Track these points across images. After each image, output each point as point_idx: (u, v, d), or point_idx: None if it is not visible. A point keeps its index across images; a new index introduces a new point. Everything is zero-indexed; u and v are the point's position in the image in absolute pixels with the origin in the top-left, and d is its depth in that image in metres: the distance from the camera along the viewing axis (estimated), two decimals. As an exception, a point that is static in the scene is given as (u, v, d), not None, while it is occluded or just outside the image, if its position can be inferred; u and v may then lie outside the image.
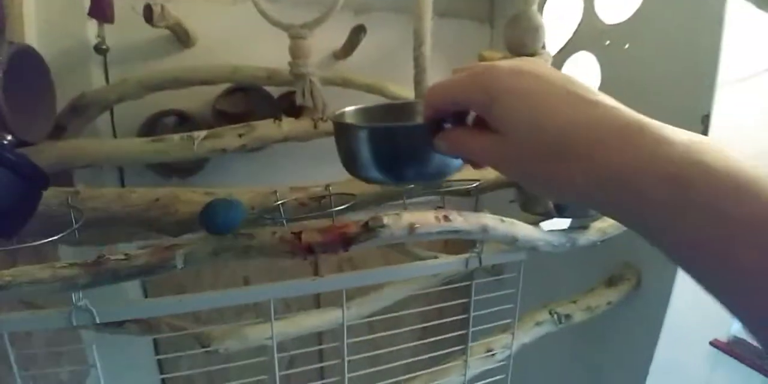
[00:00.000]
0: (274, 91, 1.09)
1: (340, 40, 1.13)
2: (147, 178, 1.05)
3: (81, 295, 0.51)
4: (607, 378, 1.04)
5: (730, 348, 1.36)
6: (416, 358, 0.75)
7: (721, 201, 0.18)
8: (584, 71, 1.06)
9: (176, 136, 0.76)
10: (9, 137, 0.41)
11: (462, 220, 0.55)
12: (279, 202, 0.66)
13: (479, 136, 0.27)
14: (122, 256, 0.48)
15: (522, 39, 0.57)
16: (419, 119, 0.34)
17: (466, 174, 0.78)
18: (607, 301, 0.90)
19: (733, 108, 0.91)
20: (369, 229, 0.48)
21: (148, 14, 0.90)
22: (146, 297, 1.15)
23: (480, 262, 0.66)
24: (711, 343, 1.39)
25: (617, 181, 0.21)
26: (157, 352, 1.06)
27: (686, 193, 0.19)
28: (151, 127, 1.00)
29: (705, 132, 0.83)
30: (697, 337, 1.39)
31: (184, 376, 1.17)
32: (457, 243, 0.78)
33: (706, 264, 0.20)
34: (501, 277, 0.72)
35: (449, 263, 0.65)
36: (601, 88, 1.03)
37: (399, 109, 0.44)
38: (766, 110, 1.39)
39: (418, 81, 0.72)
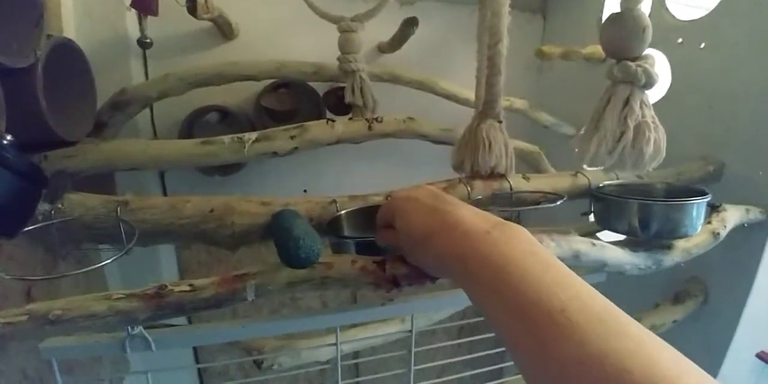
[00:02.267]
0: (319, 87, 1.01)
1: (384, 32, 1.05)
2: (188, 176, 1.00)
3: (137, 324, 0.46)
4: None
5: (780, 360, 1.28)
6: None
7: (477, 270, 0.29)
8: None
9: (226, 138, 0.69)
10: (9, 137, 0.38)
11: (554, 246, 0.48)
12: (341, 213, 0.60)
13: (393, 233, 0.40)
14: (187, 287, 0.42)
15: (625, 42, 0.48)
16: None
17: (536, 184, 0.70)
18: (672, 320, 0.83)
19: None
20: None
21: (192, 6, 0.83)
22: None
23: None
24: (757, 355, 1.31)
25: (440, 260, 0.34)
26: (197, 360, 1.02)
27: (466, 267, 0.30)
28: (192, 123, 0.93)
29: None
30: (745, 349, 1.30)
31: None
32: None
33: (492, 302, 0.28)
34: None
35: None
36: (672, 88, 0.93)
37: None
38: None
39: (492, 83, 0.63)
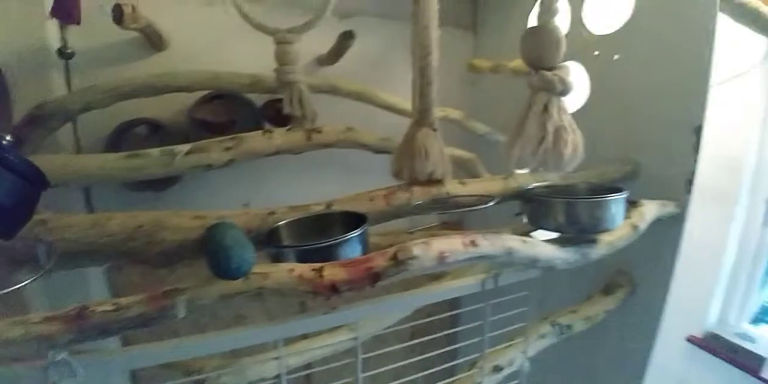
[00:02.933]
0: (257, 99, 1.00)
1: (324, 44, 1.06)
2: (118, 193, 0.93)
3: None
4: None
5: (706, 343, 1.40)
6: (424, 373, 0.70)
7: None
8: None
9: (155, 151, 0.66)
10: (8, 137, 0.40)
11: (488, 244, 0.50)
12: (279, 224, 0.59)
13: None
14: (110, 307, 0.40)
15: (542, 53, 0.53)
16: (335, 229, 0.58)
17: (472, 188, 0.73)
18: (605, 310, 0.88)
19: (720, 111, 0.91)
20: (398, 262, 0.42)
21: (118, 15, 0.79)
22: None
23: (496, 283, 0.61)
24: (688, 340, 1.43)
25: None
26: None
27: None
28: (119, 138, 0.88)
29: (697, 144, 0.83)
30: (675, 335, 1.42)
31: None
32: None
33: None
34: (510, 297, 0.68)
35: (467, 286, 0.60)
36: (591, 98, 1.01)
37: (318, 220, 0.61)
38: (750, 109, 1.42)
39: (425, 93, 0.66)
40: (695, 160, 0.83)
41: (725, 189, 1.48)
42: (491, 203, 0.61)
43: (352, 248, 0.51)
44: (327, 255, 0.49)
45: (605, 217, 0.65)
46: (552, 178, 0.79)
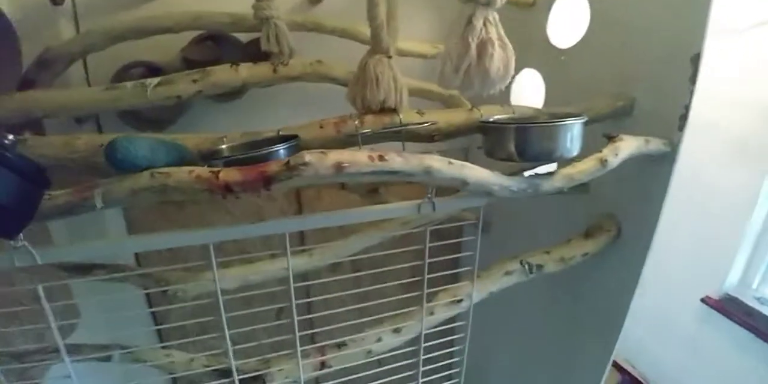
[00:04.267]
0: (245, 38, 1.03)
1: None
2: (121, 131, 1.03)
3: (21, 237, 0.50)
4: (581, 329, 1.02)
5: (721, 305, 1.32)
6: (382, 301, 0.74)
7: None
8: (573, 12, 0.96)
9: (129, 84, 0.73)
10: (10, 137, 0.41)
11: (401, 161, 0.51)
12: (225, 146, 0.64)
13: None
14: (46, 197, 0.47)
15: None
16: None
17: (429, 117, 0.73)
18: (583, 253, 0.86)
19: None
20: (290, 167, 0.45)
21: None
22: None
23: (434, 208, 0.63)
24: (702, 300, 1.36)
25: None
26: (150, 305, 1.09)
27: None
28: (121, 78, 0.96)
29: (695, 74, 0.75)
30: (689, 294, 1.34)
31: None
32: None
33: None
34: (463, 223, 0.69)
35: (400, 209, 0.62)
36: (590, 29, 0.93)
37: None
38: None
39: (372, 16, 0.65)
40: (691, 93, 0.76)
41: (760, 143, 1.32)
42: (426, 124, 0.61)
43: (277, 163, 0.54)
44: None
45: (557, 145, 0.63)
46: (522, 111, 0.77)
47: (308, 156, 0.46)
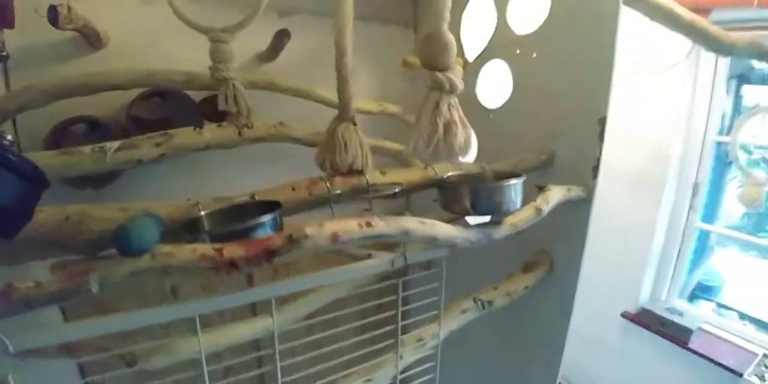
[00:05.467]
0: (195, 95, 1.04)
1: (265, 41, 1.10)
2: (58, 190, 0.96)
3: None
4: (529, 353, 1.13)
5: (639, 318, 1.53)
6: (352, 355, 0.77)
7: None
8: (498, 78, 1.12)
9: (86, 148, 0.70)
10: (9, 137, 0.41)
11: (383, 225, 0.57)
12: (202, 213, 0.64)
13: None
14: (32, 284, 0.45)
15: (433, 56, 0.59)
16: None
17: (391, 177, 0.80)
18: (524, 286, 0.98)
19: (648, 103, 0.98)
20: (292, 241, 0.49)
21: (54, 16, 0.82)
22: (63, 313, 1.06)
23: (405, 261, 0.69)
24: (622, 315, 1.56)
25: None
26: (83, 376, 0.98)
27: None
28: (59, 136, 0.91)
29: (602, 133, 0.92)
30: (610, 311, 1.54)
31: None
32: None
33: None
34: (428, 272, 0.76)
35: (377, 265, 0.67)
36: (514, 93, 1.10)
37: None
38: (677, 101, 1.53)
39: (341, 90, 0.72)
40: (600, 148, 0.93)
41: (653, 176, 1.61)
42: (396, 190, 0.68)
43: (264, 232, 0.57)
44: (240, 239, 0.54)
45: (504, 200, 0.73)
46: (468, 168, 0.87)
47: (308, 229, 0.50)
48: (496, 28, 1.13)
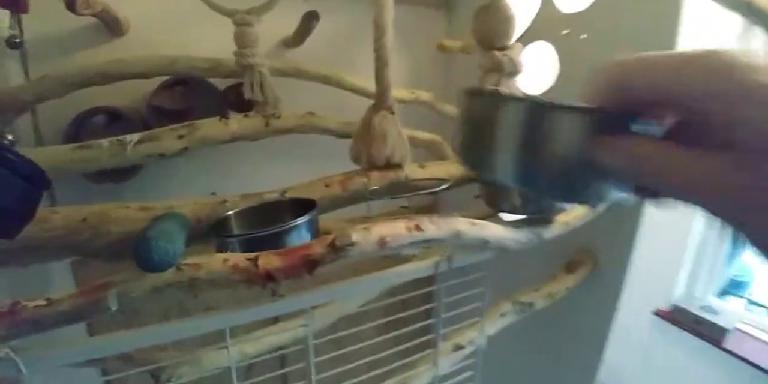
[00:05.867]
0: (219, 83, 0.97)
1: (291, 26, 1.03)
2: (78, 184, 0.91)
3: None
4: (567, 356, 1.05)
5: (672, 316, 1.43)
6: (382, 354, 0.70)
7: None
8: (542, 61, 1.02)
9: (105, 142, 0.64)
10: (10, 137, 0.39)
11: (434, 228, 0.50)
12: (229, 213, 0.58)
13: (696, 156, 0.17)
14: (43, 302, 0.39)
15: (493, 31, 0.51)
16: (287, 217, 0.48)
17: (431, 171, 0.72)
18: (566, 287, 0.90)
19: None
20: (336, 249, 0.42)
21: (71, 2, 0.76)
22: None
23: (450, 266, 0.61)
24: (655, 313, 1.46)
25: None
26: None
27: None
28: (79, 128, 0.86)
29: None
30: (642, 308, 1.45)
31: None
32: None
33: None
34: (467, 278, 0.68)
35: (419, 269, 0.59)
36: (560, 78, 1.00)
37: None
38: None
39: (380, 75, 0.64)
40: (657, 139, 0.83)
41: None
42: (444, 187, 0.60)
43: (298, 236, 0.50)
44: (273, 243, 0.48)
45: (561, 199, 0.65)
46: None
47: (354, 234, 0.42)
48: (540, 7, 1.03)
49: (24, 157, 0.38)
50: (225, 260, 0.40)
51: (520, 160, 0.23)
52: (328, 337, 0.60)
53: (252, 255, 0.41)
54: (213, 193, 1.11)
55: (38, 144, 0.92)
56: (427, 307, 0.68)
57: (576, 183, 0.22)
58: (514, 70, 0.51)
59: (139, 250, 0.34)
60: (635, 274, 1.39)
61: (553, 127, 0.22)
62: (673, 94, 0.18)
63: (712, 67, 0.17)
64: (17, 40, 0.79)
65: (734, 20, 0.95)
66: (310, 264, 0.41)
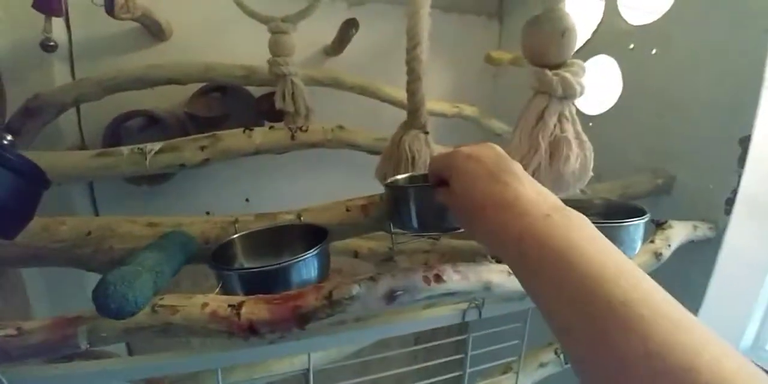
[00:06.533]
0: (257, 91, 0.93)
1: (331, 34, 0.98)
2: (118, 186, 0.91)
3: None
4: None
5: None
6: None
7: (534, 253, 0.27)
8: (603, 76, 0.90)
9: (125, 149, 0.61)
10: (9, 137, 0.39)
11: (458, 279, 0.41)
12: (233, 237, 0.52)
13: (448, 192, 0.35)
14: (13, 332, 0.35)
15: (545, 46, 0.42)
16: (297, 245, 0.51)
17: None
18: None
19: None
20: (333, 303, 0.35)
21: (110, 6, 0.75)
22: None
23: (480, 315, 0.52)
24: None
25: (495, 237, 0.30)
26: None
27: (520, 248, 0.28)
28: (117, 130, 0.85)
29: (743, 155, 0.68)
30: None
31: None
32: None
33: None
34: (501, 328, 0.59)
35: (443, 318, 0.51)
36: (623, 97, 0.87)
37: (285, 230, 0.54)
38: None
39: (412, 91, 0.56)
40: (739, 176, 0.69)
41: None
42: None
43: (303, 271, 0.44)
44: (273, 279, 0.42)
45: (620, 244, 0.54)
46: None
47: (356, 287, 0.35)
48: (603, 17, 0.91)
49: (24, 157, 0.37)
50: (204, 304, 0.34)
51: (416, 215, 0.42)
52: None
53: (236, 300, 0.35)
54: (247, 200, 1.09)
55: (81, 144, 0.93)
56: (457, 357, 0.59)
57: (444, 217, 0.41)
58: (569, 93, 0.42)
59: (95, 296, 0.29)
60: (701, 319, 1.18)
61: (423, 195, 0.41)
62: (439, 170, 0.37)
63: (447, 158, 0.36)
64: (51, 44, 0.79)
65: None
66: (301, 318, 0.34)
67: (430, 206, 0.41)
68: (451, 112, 0.99)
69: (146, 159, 0.61)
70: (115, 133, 0.85)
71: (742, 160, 0.69)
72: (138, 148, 0.61)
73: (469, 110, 1.01)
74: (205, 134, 0.65)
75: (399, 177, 0.55)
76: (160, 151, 0.62)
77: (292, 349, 0.46)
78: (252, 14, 0.76)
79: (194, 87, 0.90)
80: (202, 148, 0.64)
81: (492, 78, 1.16)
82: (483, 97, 1.12)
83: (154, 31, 0.89)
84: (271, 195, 1.08)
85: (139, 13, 0.79)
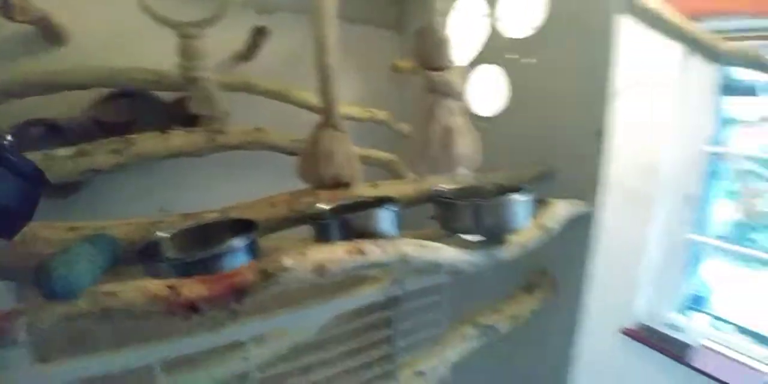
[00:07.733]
0: (167, 97, 0.94)
1: (242, 40, 1.01)
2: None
3: None
4: (533, 380, 1.05)
5: (638, 334, 1.46)
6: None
7: None
8: (494, 83, 1.05)
9: (38, 155, 0.60)
10: (9, 137, 0.43)
11: (378, 252, 0.49)
12: (160, 235, 0.55)
13: None
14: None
15: (429, 52, 0.52)
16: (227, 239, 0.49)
17: (384, 190, 0.72)
18: (530, 309, 0.90)
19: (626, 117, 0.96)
20: (267, 275, 0.40)
21: (6, 8, 0.72)
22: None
23: (402, 291, 0.60)
24: (623, 332, 1.49)
25: None
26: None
27: None
28: (15, 139, 0.80)
29: (599, 146, 0.86)
30: (607, 327, 1.48)
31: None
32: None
33: None
34: (426, 300, 0.68)
35: (369, 296, 0.58)
36: (510, 101, 1.03)
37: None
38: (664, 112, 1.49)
39: (323, 91, 0.63)
40: (599, 162, 0.86)
41: (642, 190, 1.56)
42: (389, 207, 0.59)
43: (236, 259, 0.48)
44: (208, 268, 0.45)
45: (511, 218, 0.66)
46: (464, 181, 0.80)
47: (287, 259, 0.41)
48: (488, 32, 1.07)
49: (24, 157, 0.38)
50: (143, 289, 0.38)
51: None
52: (280, 369, 0.57)
53: (173, 282, 0.39)
54: (161, 209, 1.06)
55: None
56: (388, 333, 0.66)
57: None
58: (448, 91, 0.52)
59: (38, 279, 0.31)
60: (595, 294, 1.41)
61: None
62: None
63: None
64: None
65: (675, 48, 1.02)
66: (238, 292, 0.39)
67: None
68: (364, 116, 1.08)
69: (57, 165, 0.60)
70: (16, 143, 0.80)
71: (599, 150, 0.86)
72: (47, 154, 0.61)
73: (380, 115, 1.11)
74: (118, 138, 0.66)
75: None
76: (71, 156, 0.62)
77: (230, 335, 0.50)
78: (159, 19, 0.78)
79: (96, 94, 0.88)
80: (115, 151, 0.65)
81: (400, 84, 1.28)
82: (393, 103, 1.22)
83: (50, 35, 0.85)
84: (188, 202, 1.07)
85: (39, 15, 0.77)
